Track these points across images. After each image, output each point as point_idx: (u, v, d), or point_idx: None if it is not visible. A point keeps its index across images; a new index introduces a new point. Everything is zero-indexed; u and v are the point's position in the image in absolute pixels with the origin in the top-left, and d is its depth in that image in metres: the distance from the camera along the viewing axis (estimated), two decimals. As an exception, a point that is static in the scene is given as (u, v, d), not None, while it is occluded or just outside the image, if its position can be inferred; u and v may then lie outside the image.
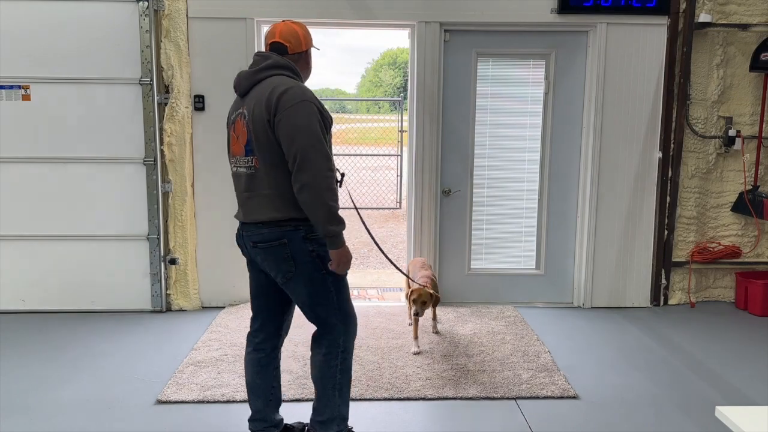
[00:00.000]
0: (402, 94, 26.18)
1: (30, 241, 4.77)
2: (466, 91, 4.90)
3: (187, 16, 4.64)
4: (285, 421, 3.03)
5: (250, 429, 2.96)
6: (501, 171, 5.05)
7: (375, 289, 5.74)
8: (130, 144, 4.71)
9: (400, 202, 10.32)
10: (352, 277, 6.11)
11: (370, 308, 4.99)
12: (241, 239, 2.76)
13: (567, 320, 4.79)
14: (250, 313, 2.93)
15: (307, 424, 3.02)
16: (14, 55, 4.60)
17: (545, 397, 3.50)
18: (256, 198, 2.62)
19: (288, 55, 2.71)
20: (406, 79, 5.15)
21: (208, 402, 3.41)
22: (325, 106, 2.63)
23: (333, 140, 2.76)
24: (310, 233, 2.61)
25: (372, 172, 11.70)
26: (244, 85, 2.67)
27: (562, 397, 3.50)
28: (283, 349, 3.96)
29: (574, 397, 3.51)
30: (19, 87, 4.64)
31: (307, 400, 3.42)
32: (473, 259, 5.11)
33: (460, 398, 3.48)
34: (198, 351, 4.06)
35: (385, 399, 3.46)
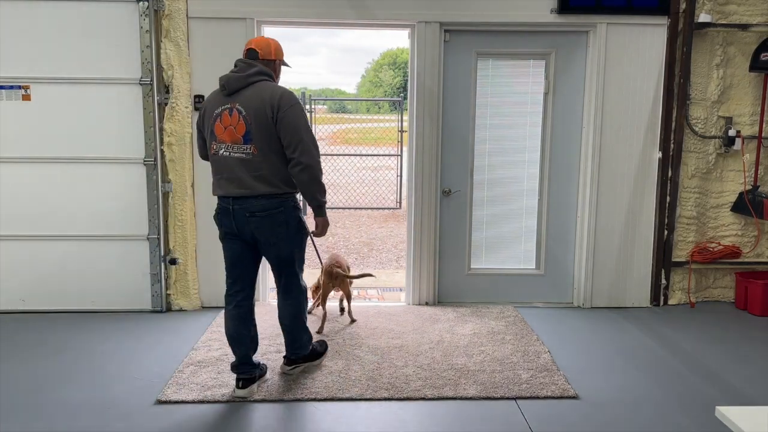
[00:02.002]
0: (402, 94, 26.18)
1: (30, 241, 4.77)
2: (466, 91, 4.90)
3: (187, 16, 4.64)
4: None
5: (239, 374, 3.48)
6: (501, 171, 5.05)
7: (375, 289, 5.74)
8: (130, 144, 4.71)
9: (400, 202, 10.33)
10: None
11: (370, 308, 4.98)
12: (228, 213, 3.33)
13: (567, 320, 4.79)
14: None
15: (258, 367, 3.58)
16: (14, 55, 4.60)
17: (545, 397, 3.50)
18: (254, 177, 3.25)
19: (259, 60, 3.37)
20: (406, 79, 5.16)
21: (208, 402, 3.41)
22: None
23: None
24: (295, 203, 3.42)
25: (372, 172, 11.70)
26: (234, 86, 3.27)
27: (562, 397, 3.50)
28: (282, 349, 3.99)
29: (574, 397, 3.51)
30: (19, 87, 4.64)
31: (308, 399, 3.43)
32: (473, 259, 5.11)
33: (460, 398, 3.48)
34: (198, 351, 4.06)
35: (385, 399, 3.46)
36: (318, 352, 3.81)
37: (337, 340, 4.24)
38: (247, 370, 3.49)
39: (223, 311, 4.76)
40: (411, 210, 4.99)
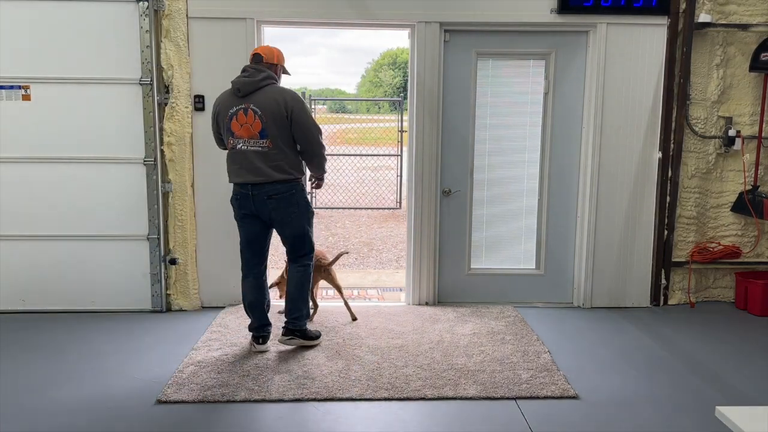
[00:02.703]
0: (402, 94, 26.16)
1: (30, 241, 4.77)
2: (466, 91, 4.90)
3: (187, 16, 4.64)
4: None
5: (256, 335, 4.05)
6: (501, 171, 5.05)
7: (375, 289, 5.74)
8: (130, 144, 4.71)
9: (400, 202, 10.33)
10: (352, 277, 6.11)
11: (370, 308, 4.98)
12: (248, 198, 3.86)
13: (567, 320, 4.79)
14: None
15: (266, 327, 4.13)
16: (14, 55, 4.60)
17: (545, 397, 3.50)
18: (270, 166, 3.80)
19: (263, 64, 3.89)
20: (406, 79, 5.16)
21: (208, 402, 3.41)
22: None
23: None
24: (303, 186, 3.99)
25: (372, 172, 11.71)
26: (247, 89, 3.78)
27: (562, 397, 3.50)
28: (282, 349, 4.01)
29: (574, 397, 3.51)
30: (19, 87, 4.64)
31: (307, 400, 3.43)
32: (473, 259, 5.11)
33: (460, 398, 3.48)
34: (198, 351, 4.06)
35: (385, 399, 3.46)
36: (312, 335, 4.13)
37: (337, 340, 4.25)
38: (265, 332, 4.08)
39: (222, 311, 4.83)
40: (411, 210, 4.99)
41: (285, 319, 4.08)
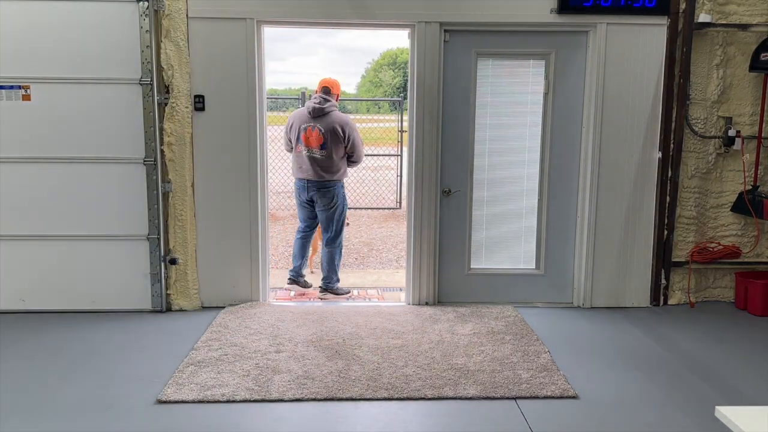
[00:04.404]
0: (402, 94, 26.15)
1: (30, 241, 4.77)
2: (466, 91, 4.90)
3: (187, 16, 4.64)
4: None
5: (293, 276, 5.52)
6: (501, 171, 5.05)
7: (375, 289, 5.74)
8: (130, 144, 4.71)
9: (400, 202, 10.32)
10: (352, 277, 6.11)
11: (370, 308, 4.99)
12: (306, 188, 5.29)
13: (567, 320, 4.79)
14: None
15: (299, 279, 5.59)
16: (14, 55, 4.60)
17: (545, 397, 3.50)
18: (323, 169, 5.19)
19: (331, 94, 5.25)
20: (406, 79, 5.17)
21: (208, 402, 3.42)
22: None
23: None
24: (342, 185, 5.40)
25: (372, 172, 11.70)
26: (317, 113, 5.13)
27: (561, 397, 3.51)
28: (283, 349, 4.01)
29: (573, 397, 3.51)
30: (19, 87, 4.64)
31: (307, 400, 3.43)
32: (473, 259, 5.11)
33: (460, 398, 3.48)
34: (198, 351, 4.06)
35: (385, 399, 3.46)
36: (341, 291, 5.46)
37: (337, 340, 4.25)
38: (296, 277, 5.52)
39: (222, 311, 4.86)
40: (411, 210, 4.99)
41: (321, 282, 5.45)
